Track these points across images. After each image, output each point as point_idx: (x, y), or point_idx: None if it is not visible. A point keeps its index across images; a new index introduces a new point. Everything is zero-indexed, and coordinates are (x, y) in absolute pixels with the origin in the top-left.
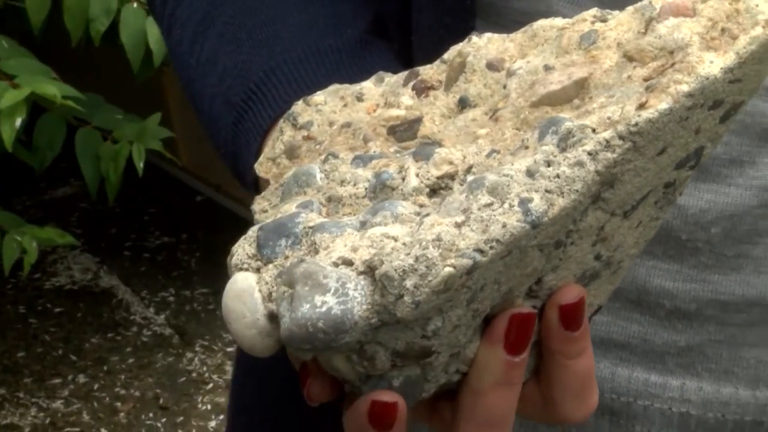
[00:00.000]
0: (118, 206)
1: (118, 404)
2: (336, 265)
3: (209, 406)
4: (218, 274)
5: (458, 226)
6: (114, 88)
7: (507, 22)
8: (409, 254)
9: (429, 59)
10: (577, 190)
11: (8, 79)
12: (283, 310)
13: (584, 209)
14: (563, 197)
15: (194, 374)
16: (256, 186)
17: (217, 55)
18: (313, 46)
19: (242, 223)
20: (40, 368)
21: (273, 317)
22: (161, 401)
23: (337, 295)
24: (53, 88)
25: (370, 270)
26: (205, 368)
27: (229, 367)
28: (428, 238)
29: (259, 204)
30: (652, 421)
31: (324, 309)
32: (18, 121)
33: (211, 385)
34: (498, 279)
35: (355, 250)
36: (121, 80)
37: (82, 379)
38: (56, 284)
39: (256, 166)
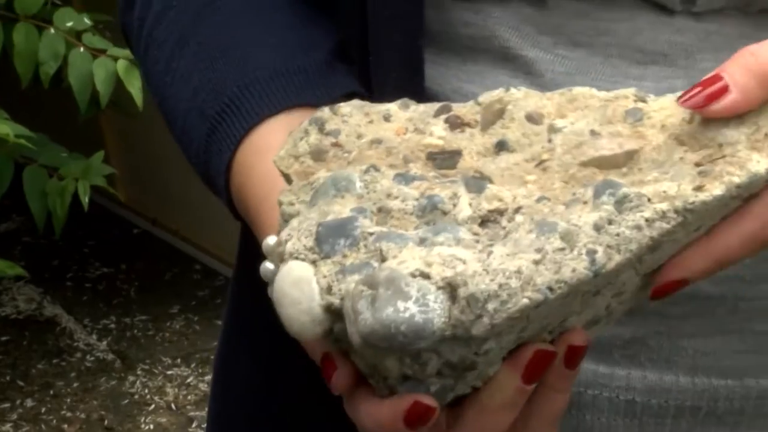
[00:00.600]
0: (59, 240)
1: (65, 426)
2: (413, 276)
3: (152, 426)
4: (156, 301)
5: (536, 263)
6: (57, 129)
7: (457, 48)
8: (493, 281)
9: (385, 80)
10: (631, 250)
11: None
12: (362, 307)
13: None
14: (620, 254)
15: (136, 396)
16: (228, 191)
17: (192, 73)
18: (283, 66)
19: (177, 253)
20: None
21: (329, 309)
22: (106, 422)
23: (418, 304)
24: (6, 128)
25: (449, 287)
26: (146, 390)
27: (169, 389)
28: (510, 269)
29: (286, 196)
30: (601, 409)
31: (407, 315)
32: None
33: (152, 406)
34: (547, 315)
35: (429, 265)
36: (63, 121)
37: (29, 403)
38: (2, 314)
39: (276, 160)
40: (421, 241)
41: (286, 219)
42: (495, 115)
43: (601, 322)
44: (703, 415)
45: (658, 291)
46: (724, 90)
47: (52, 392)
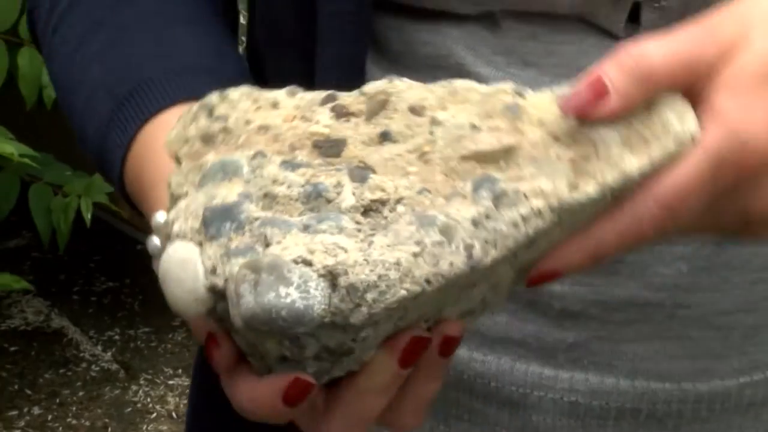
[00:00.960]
0: (66, 255)
1: None
2: (296, 262)
3: None
4: (158, 314)
5: (415, 255)
6: (62, 148)
7: (418, 66)
8: (373, 271)
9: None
10: (508, 246)
11: None
12: (245, 291)
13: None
14: (496, 250)
15: (139, 405)
16: (123, 167)
17: (105, 54)
18: (206, 61)
19: None
20: None
21: (213, 289)
22: (109, 430)
23: (299, 291)
24: (10, 147)
25: (330, 275)
26: (148, 399)
27: (170, 398)
28: (390, 260)
29: (175, 178)
30: (547, 410)
31: (288, 300)
32: None
33: (154, 414)
34: (424, 305)
35: (311, 252)
36: (68, 141)
37: (36, 411)
38: (11, 326)
39: (167, 143)
40: (305, 228)
41: (174, 200)
42: (379, 105)
43: (476, 312)
44: (643, 417)
45: (533, 280)
46: (604, 94)
47: (58, 401)
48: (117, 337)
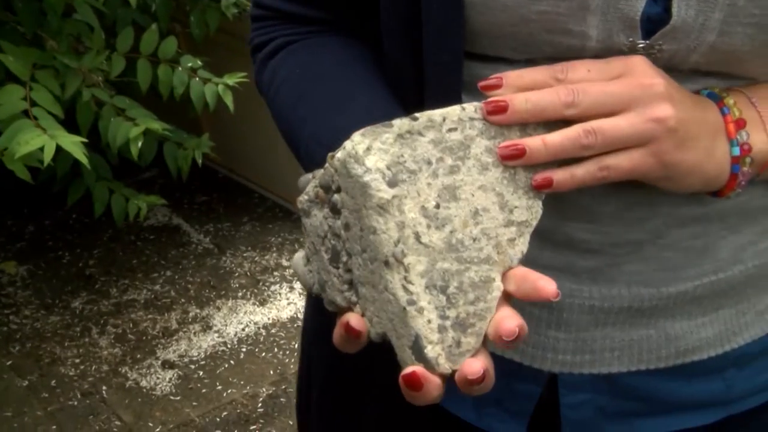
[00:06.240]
0: (181, 181)
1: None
2: None
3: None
4: (238, 213)
5: None
6: (182, 121)
7: (479, 92)
8: None
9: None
10: None
11: (131, 120)
12: None
13: None
14: None
15: (227, 269)
16: None
17: (309, 119)
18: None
19: (242, 186)
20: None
21: None
22: (212, 283)
23: None
24: (156, 125)
25: None
26: (233, 265)
27: (246, 264)
28: None
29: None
30: (573, 310)
31: None
32: (139, 144)
33: (236, 274)
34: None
35: None
36: (182, 117)
37: (167, 273)
38: (149, 224)
39: None
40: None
41: None
42: None
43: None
44: (634, 311)
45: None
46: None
47: (180, 267)
48: (212, 228)
